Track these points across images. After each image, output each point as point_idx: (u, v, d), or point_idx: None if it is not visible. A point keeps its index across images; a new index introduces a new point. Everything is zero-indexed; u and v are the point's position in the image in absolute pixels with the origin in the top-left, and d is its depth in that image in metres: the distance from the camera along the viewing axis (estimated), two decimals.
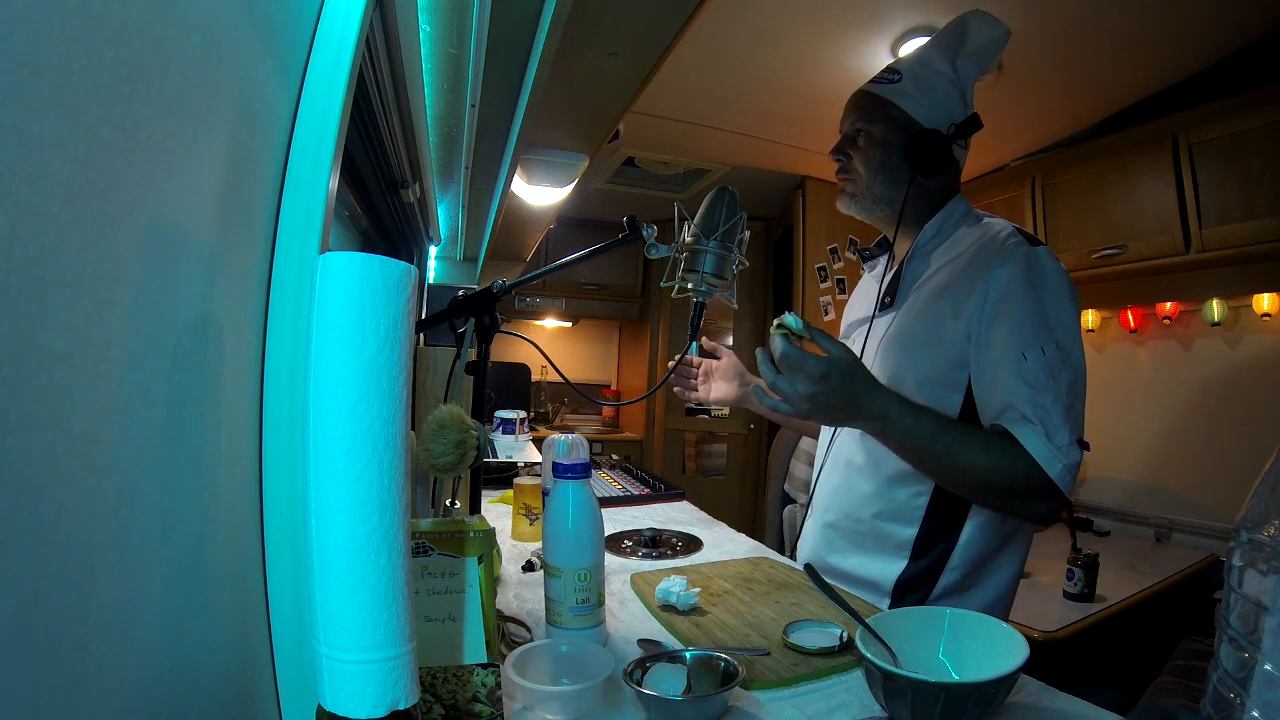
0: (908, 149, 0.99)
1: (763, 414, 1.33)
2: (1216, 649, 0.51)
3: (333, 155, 0.51)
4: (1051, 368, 0.83)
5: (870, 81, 1.05)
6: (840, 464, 1.06)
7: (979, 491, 0.87)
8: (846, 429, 1.05)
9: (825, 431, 1.13)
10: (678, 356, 1.06)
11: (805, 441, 1.50)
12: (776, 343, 0.80)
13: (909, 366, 0.95)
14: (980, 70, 1.03)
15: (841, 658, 0.70)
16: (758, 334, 3.74)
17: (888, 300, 1.04)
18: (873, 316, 1.05)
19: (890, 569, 0.96)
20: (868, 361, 1.00)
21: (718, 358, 1.25)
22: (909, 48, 1.88)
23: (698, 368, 1.27)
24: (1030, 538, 0.99)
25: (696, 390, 1.27)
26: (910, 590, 0.95)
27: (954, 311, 0.92)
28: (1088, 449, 0.85)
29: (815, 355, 0.80)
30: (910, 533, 0.95)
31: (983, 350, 0.88)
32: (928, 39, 1.06)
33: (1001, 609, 0.96)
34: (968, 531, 0.93)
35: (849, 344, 0.99)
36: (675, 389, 1.27)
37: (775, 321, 0.82)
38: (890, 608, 0.94)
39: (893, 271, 1.06)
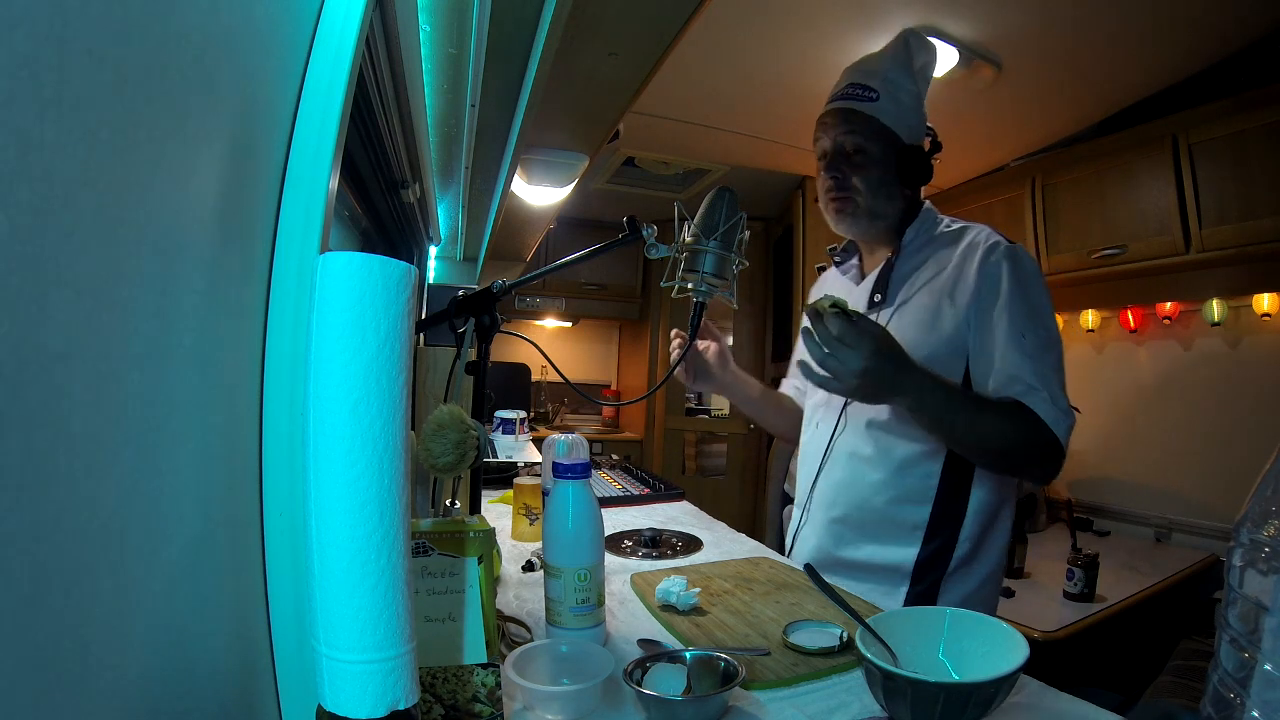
0: (900, 164, 1.05)
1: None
2: (1216, 649, 0.51)
3: (333, 155, 0.51)
4: (1044, 343, 0.93)
5: (848, 98, 1.06)
6: (843, 459, 1.07)
7: (996, 456, 0.93)
8: (848, 426, 1.08)
9: (823, 431, 1.13)
10: (683, 348, 1.06)
11: None
12: (834, 323, 0.83)
13: (913, 354, 0.97)
14: (926, 87, 1.09)
15: (841, 658, 0.70)
16: (758, 334, 3.74)
17: (878, 298, 1.07)
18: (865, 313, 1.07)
19: (908, 551, 1.00)
20: None
21: (715, 339, 1.22)
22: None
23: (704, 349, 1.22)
24: (1015, 500, 1.05)
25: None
26: (929, 569, 0.99)
27: (952, 303, 0.99)
28: (1078, 412, 0.93)
29: (868, 333, 0.84)
30: (925, 512, 0.99)
31: (985, 333, 0.96)
32: (877, 51, 1.10)
33: (999, 574, 1.04)
34: (974, 503, 0.99)
35: None
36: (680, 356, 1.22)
37: (828, 302, 0.84)
38: (911, 588, 0.99)
39: (876, 271, 1.10)
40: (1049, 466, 0.91)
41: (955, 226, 1.06)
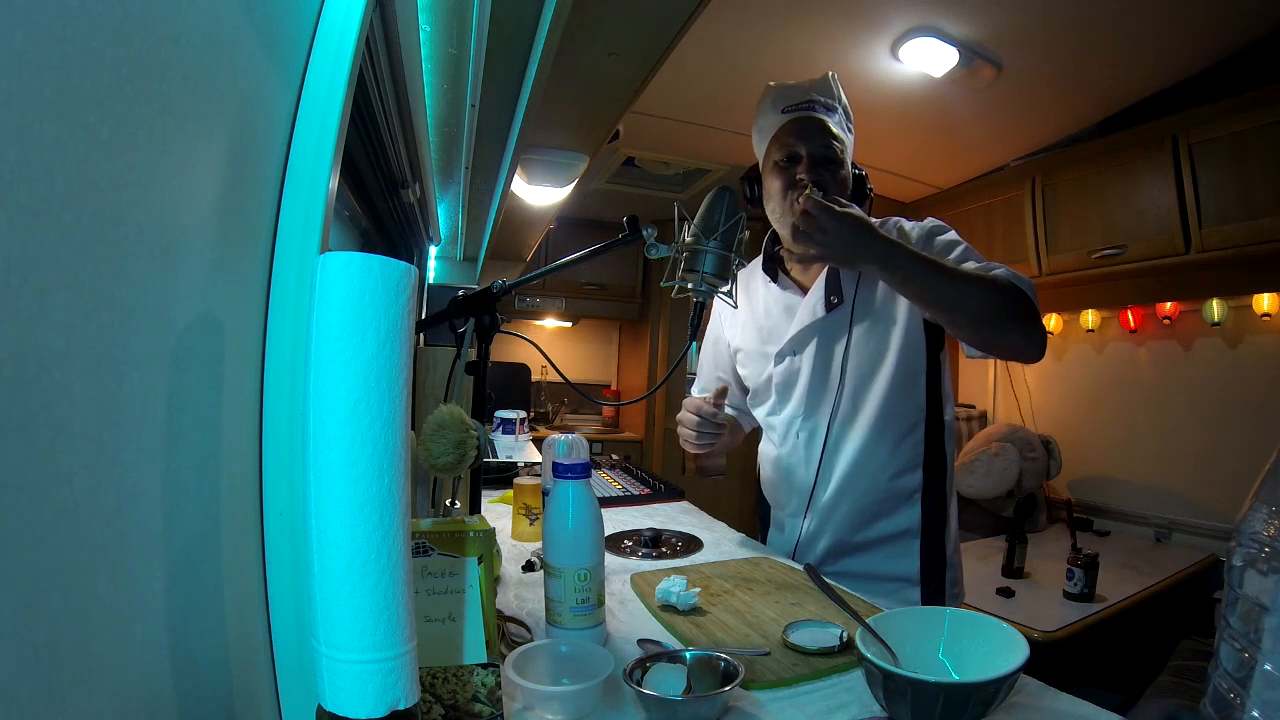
0: (856, 184, 1.14)
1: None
2: (1216, 649, 0.51)
3: (333, 155, 0.51)
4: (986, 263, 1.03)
5: (816, 110, 1.10)
6: (847, 455, 1.11)
7: (978, 315, 0.94)
8: (840, 425, 1.12)
9: (807, 439, 1.15)
10: (702, 410, 1.10)
11: None
12: (815, 196, 0.96)
13: (896, 333, 1.08)
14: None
15: (841, 658, 0.70)
16: None
17: (834, 299, 1.12)
18: (823, 319, 1.12)
19: (911, 514, 1.10)
20: (841, 350, 1.11)
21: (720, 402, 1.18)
22: (909, 48, 1.88)
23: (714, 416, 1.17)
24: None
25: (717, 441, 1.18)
26: (933, 521, 1.10)
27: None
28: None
29: (843, 206, 0.95)
30: (918, 476, 1.10)
31: None
32: (811, 81, 1.14)
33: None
34: (947, 452, 1.12)
35: (799, 355, 1.15)
36: (698, 445, 1.19)
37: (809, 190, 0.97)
38: (921, 547, 1.09)
39: (823, 278, 1.13)
40: (1029, 325, 0.95)
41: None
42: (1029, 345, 0.96)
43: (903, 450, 1.10)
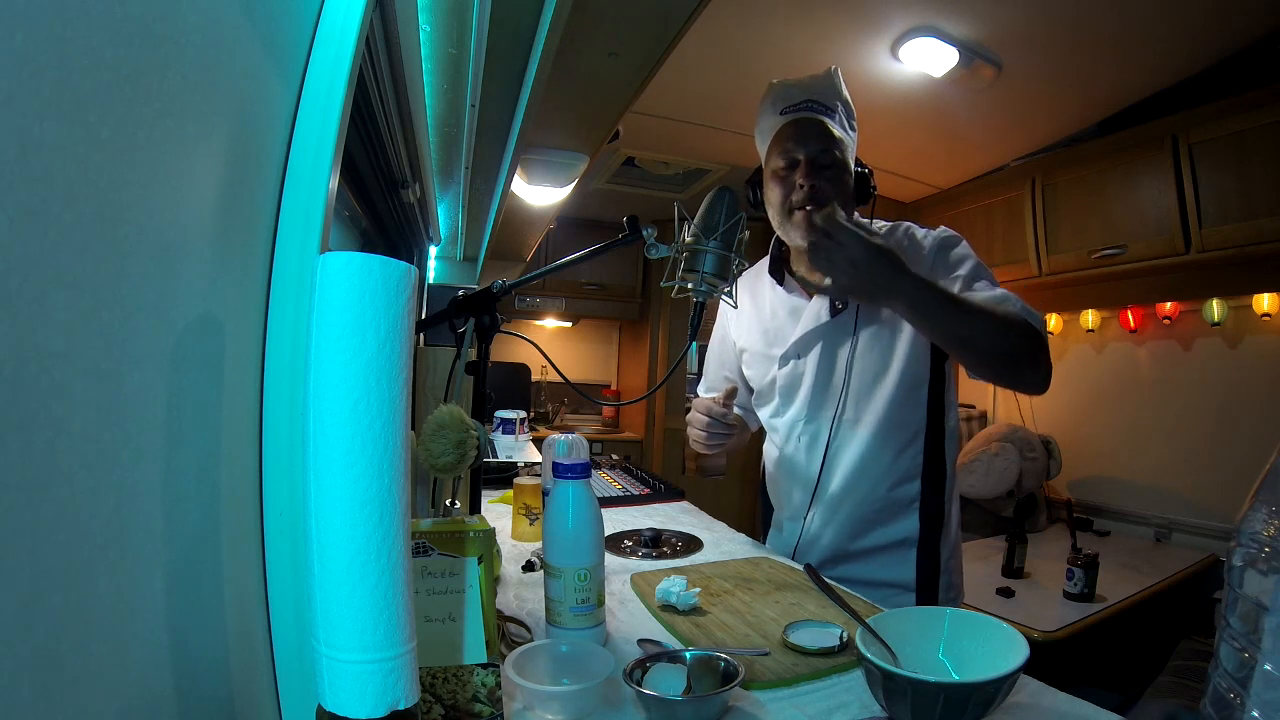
0: (859, 183, 1.11)
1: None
2: (1216, 649, 0.51)
3: (333, 155, 0.51)
4: (997, 285, 1.04)
5: (814, 111, 1.07)
6: (847, 461, 1.10)
7: (990, 353, 0.94)
8: (842, 431, 1.11)
9: (809, 442, 1.15)
10: (711, 410, 1.09)
11: None
12: (840, 212, 0.93)
13: (901, 340, 1.07)
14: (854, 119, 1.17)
15: (841, 658, 0.70)
16: None
17: (840, 305, 1.11)
18: (827, 323, 1.12)
19: (909, 524, 1.10)
20: (845, 356, 1.10)
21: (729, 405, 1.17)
22: (909, 48, 1.88)
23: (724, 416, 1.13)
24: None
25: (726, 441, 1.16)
26: (931, 530, 1.09)
27: None
28: None
29: (867, 233, 0.91)
30: (916, 486, 1.10)
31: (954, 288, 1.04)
32: (812, 78, 1.11)
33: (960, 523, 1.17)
34: (948, 463, 1.11)
35: (803, 359, 1.14)
36: (708, 444, 1.15)
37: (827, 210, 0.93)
38: (918, 556, 1.09)
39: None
40: (1040, 364, 0.96)
41: (883, 228, 1.13)
42: (1039, 383, 0.98)
43: (904, 458, 1.09)
